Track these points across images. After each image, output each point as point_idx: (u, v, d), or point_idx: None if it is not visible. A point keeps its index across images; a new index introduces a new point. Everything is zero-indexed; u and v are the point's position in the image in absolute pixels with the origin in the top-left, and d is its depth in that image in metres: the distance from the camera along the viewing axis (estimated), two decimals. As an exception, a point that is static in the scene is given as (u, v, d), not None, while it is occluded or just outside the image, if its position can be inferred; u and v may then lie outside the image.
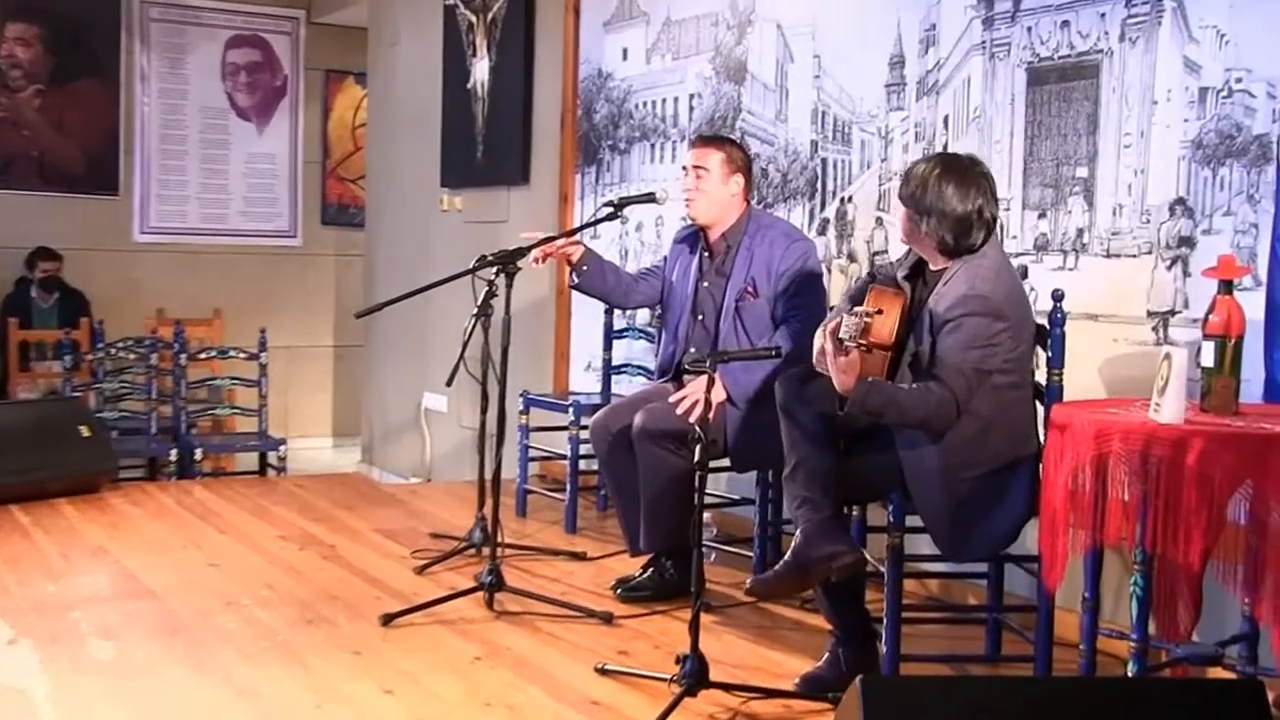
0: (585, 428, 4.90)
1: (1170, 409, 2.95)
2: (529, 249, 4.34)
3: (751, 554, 4.57)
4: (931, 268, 3.49)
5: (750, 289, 4.35)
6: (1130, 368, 3.81)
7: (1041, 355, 3.59)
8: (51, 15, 9.22)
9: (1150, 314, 3.81)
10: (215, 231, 9.90)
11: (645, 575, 4.39)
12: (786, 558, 3.43)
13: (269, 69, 10.08)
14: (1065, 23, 4.08)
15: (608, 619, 4.08)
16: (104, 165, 9.47)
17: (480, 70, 7.22)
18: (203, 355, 7.32)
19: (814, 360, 3.45)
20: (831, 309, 3.75)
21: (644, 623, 4.11)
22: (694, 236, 4.59)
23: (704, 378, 3.51)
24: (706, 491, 3.36)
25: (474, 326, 4.22)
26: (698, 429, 3.31)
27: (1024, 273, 4.13)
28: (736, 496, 4.94)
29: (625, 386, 5.58)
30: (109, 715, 3.27)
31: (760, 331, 4.33)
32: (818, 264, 4.44)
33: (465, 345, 4.21)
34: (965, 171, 3.42)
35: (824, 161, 5.02)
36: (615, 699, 3.41)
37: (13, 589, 4.35)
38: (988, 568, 3.76)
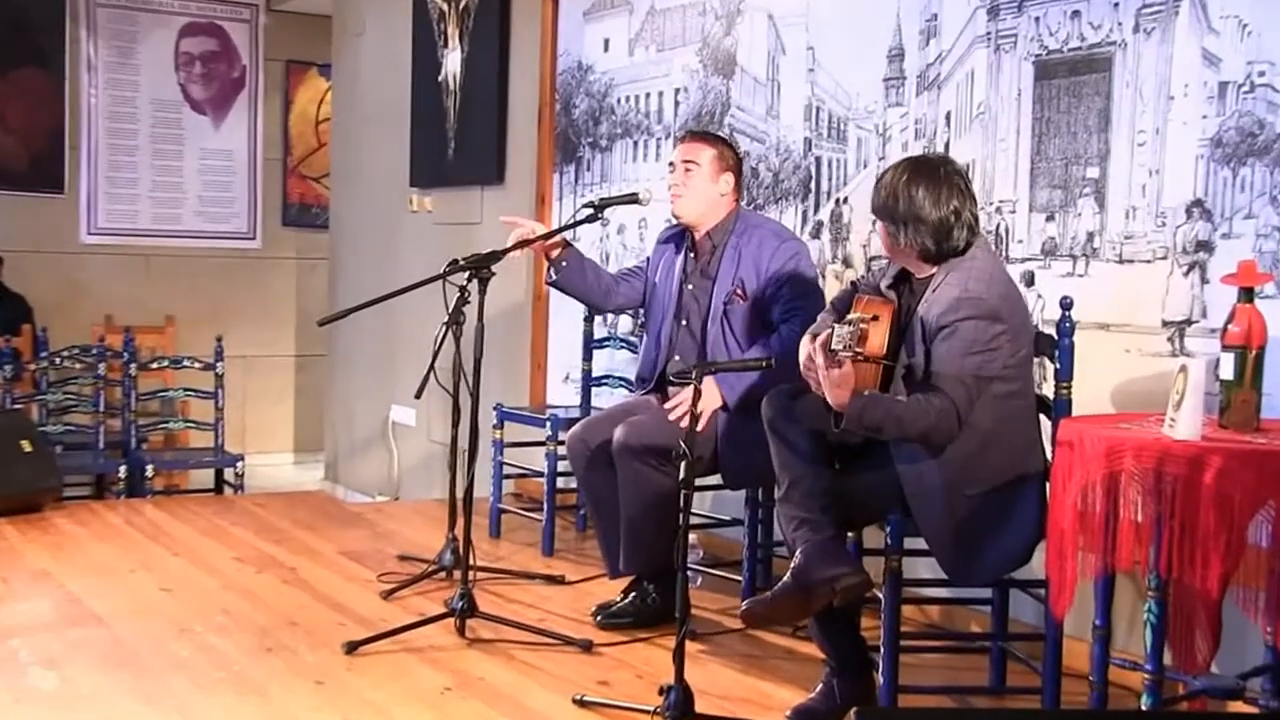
0: (563, 443, 4.89)
1: (1186, 425, 2.95)
2: (504, 252, 4.34)
3: (740, 578, 4.55)
4: (918, 276, 3.49)
5: (739, 291, 4.34)
6: (1144, 381, 3.82)
7: (1049, 367, 3.59)
8: (-10, 0, 9.20)
9: (1165, 323, 3.81)
10: (168, 233, 9.87)
11: (627, 600, 4.38)
12: (785, 579, 3.41)
13: (226, 59, 10.06)
14: (1076, 12, 4.08)
15: (587, 647, 4.07)
16: (48, 161, 9.43)
17: (452, 62, 7.22)
18: (154, 365, 7.30)
19: (801, 373, 3.45)
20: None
21: (625, 651, 4.10)
22: (679, 236, 4.59)
23: (691, 389, 3.50)
24: (691, 511, 3.35)
25: (445, 335, 4.21)
26: (683, 444, 3.30)
27: (1030, 279, 4.15)
28: (725, 517, 4.93)
29: (606, 399, 5.57)
30: (51, 751, 3.25)
31: (750, 336, 4.32)
32: (811, 264, 4.45)
33: (436, 355, 4.21)
34: (935, 172, 3.41)
35: (818, 160, 5.02)
36: (595, 733, 3.41)
37: (-52, 615, 4.33)
38: (992, 593, 3.75)
